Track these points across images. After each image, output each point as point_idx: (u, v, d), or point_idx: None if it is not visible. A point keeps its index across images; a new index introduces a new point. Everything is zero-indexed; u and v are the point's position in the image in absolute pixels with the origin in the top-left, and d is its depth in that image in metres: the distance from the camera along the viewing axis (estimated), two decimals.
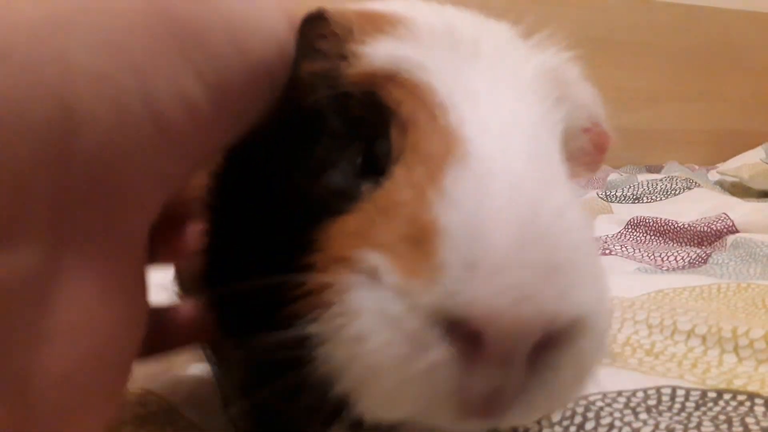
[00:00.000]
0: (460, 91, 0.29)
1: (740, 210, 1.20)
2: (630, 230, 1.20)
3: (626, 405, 0.48)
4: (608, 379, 0.51)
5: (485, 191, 0.25)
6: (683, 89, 1.86)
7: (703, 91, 1.88)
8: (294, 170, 0.31)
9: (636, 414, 0.46)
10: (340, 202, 0.28)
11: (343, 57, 0.30)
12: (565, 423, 0.48)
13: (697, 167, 1.87)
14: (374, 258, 0.25)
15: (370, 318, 0.25)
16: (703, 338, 0.55)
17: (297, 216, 0.29)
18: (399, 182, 0.27)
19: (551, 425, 0.48)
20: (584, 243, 0.26)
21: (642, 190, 1.51)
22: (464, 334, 0.23)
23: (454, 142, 0.27)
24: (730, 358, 0.52)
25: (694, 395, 0.47)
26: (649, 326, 0.59)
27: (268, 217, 0.31)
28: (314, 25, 0.32)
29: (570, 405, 0.49)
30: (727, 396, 0.46)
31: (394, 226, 0.26)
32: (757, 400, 0.45)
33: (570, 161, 0.33)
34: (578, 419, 0.47)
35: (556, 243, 0.24)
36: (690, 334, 0.56)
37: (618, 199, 1.48)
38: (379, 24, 0.31)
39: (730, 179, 1.69)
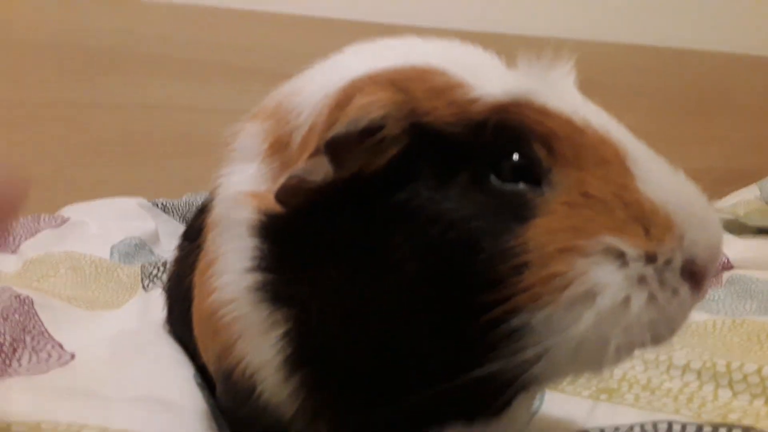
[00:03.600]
0: (574, 105, 0.36)
1: (736, 247, 1.21)
2: None
3: None
4: (605, 415, 0.52)
5: (669, 176, 0.34)
6: (676, 131, 1.89)
7: (696, 133, 1.91)
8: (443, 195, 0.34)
9: None
10: (522, 210, 0.33)
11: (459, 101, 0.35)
12: None
13: None
14: (610, 240, 0.32)
15: (624, 283, 0.31)
16: (698, 373, 0.56)
17: (472, 237, 0.33)
18: (581, 182, 0.33)
19: None
20: None
21: None
22: (693, 271, 0.33)
23: (611, 144, 0.34)
24: (725, 393, 0.53)
25: (690, 429, 0.47)
26: (645, 362, 0.59)
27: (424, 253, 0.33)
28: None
29: None
30: (722, 430, 0.47)
31: (613, 213, 0.32)
32: None
33: None
34: None
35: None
36: (685, 369, 0.57)
37: None
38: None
39: (726, 216, 1.70)
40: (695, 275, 0.33)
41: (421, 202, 0.34)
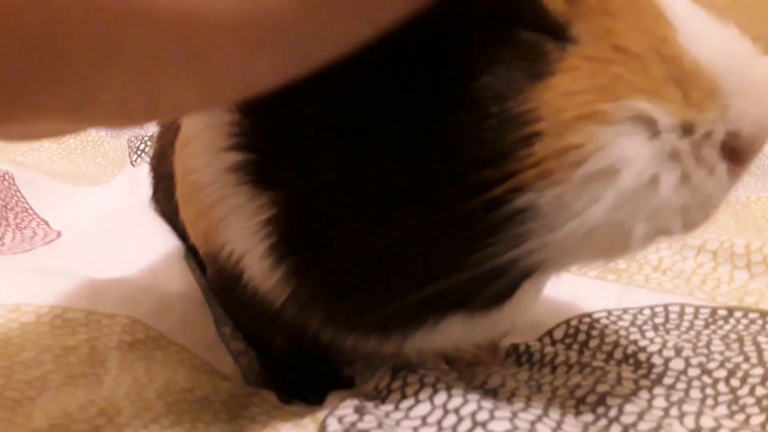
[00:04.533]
0: None
1: None
2: None
3: (632, 323, 0.46)
4: (613, 296, 0.50)
5: (717, 30, 0.27)
6: None
7: None
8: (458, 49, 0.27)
9: (642, 332, 0.44)
10: (536, 66, 0.26)
11: None
12: (568, 341, 0.46)
13: None
14: (641, 104, 0.26)
15: (653, 158, 0.26)
16: (714, 253, 0.53)
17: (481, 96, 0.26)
18: (611, 32, 0.26)
19: (553, 343, 0.47)
20: None
21: None
22: (734, 148, 0.27)
23: None
24: (741, 275, 0.50)
25: (704, 313, 0.45)
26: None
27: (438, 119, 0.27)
28: None
29: (573, 322, 0.47)
30: (738, 314, 0.45)
31: (648, 71, 0.26)
32: None
33: None
34: (581, 337, 0.46)
35: None
36: (700, 249, 0.54)
37: None
38: None
39: None
40: (737, 153, 0.27)
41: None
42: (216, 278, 0.41)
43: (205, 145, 0.34)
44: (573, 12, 0.27)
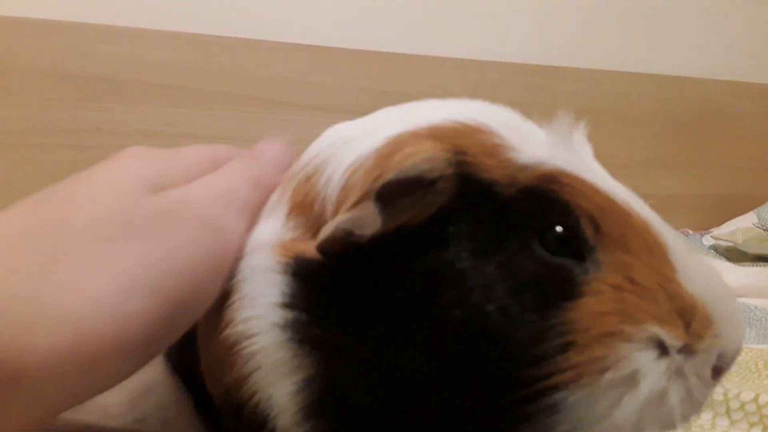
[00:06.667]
0: (604, 181, 0.36)
1: (734, 275, 1.21)
2: None
3: None
4: None
5: (706, 272, 0.35)
6: (674, 156, 1.90)
7: (692, 158, 1.92)
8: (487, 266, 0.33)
9: None
10: (569, 287, 0.33)
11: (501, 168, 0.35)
12: None
13: (690, 232, 1.89)
14: (655, 329, 0.32)
15: (664, 375, 0.32)
16: None
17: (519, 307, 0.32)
18: (628, 266, 0.33)
19: None
20: None
21: None
22: (717, 367, 0.34)
23: (653, 232, 0.35)
24: (722, 421, 0.53)
25: None
26: None
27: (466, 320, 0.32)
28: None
29: None
30: None
31: (658, 303, 0.33)
32: None
33: None
34: None
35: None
36: None
37: None
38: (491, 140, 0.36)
39: (724, 244, 1.71)
40: (720, 369, 0.35)
41: (466, 265, 0.33)
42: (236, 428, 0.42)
43: (255, 300, 0.37)
44: (598, 240, 0.34)
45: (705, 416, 0.54)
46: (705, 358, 0.33)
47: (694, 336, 0.33)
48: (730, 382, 0.60)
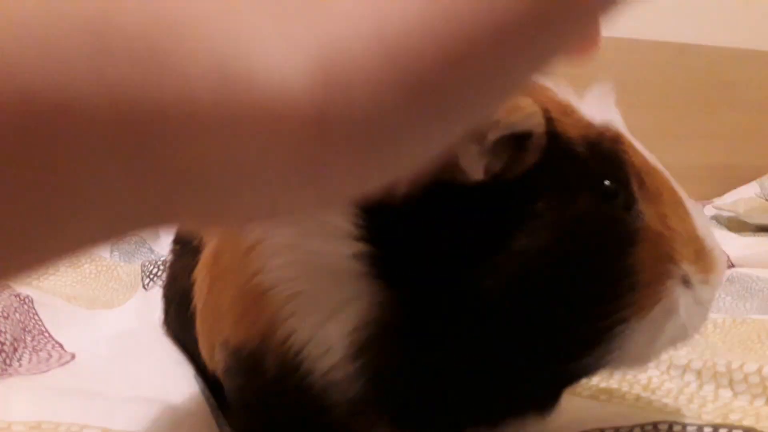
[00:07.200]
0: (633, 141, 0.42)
1: (736, 245, 1.21)
2: None
3: None
4: (605, 415, 0.52)
5: (706, 221, 0.43)
6: (677, 126, 1.89)
7: (696, 128, 1.91)
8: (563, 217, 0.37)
9: None
10: (630, 235, 0.38)
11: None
12: None
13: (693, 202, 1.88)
14: (686, 267, 0.40)
15: (692, 303, 0.40)
16: (698, 373, 0.55)
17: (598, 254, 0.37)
18: (664, 216, 0.40)
19: None
20: None
21: None
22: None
23: (674, 187, 0.42)
24: (725, 393, 0.53)
25: (691, 430, 0.47)
26: None
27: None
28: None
29: None
30: (723, 431, 0.47)
31: (687, 246, 0.40)
32: None
33: None
34: None
35: None
36: (686, 369, 0.56)
37: None
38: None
39: (726, 214, 1.70)
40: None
41: (555, 216, 0.36)
42: (254, 377, 0.41)
43: (289, 243, 0.37)
44: (641, 194, 0.39)
45: (707, 387, 0.54)
46: (713, 288, 0.41)
47: (706, 271, 0.40)
48: (733, 353, 0.60)
